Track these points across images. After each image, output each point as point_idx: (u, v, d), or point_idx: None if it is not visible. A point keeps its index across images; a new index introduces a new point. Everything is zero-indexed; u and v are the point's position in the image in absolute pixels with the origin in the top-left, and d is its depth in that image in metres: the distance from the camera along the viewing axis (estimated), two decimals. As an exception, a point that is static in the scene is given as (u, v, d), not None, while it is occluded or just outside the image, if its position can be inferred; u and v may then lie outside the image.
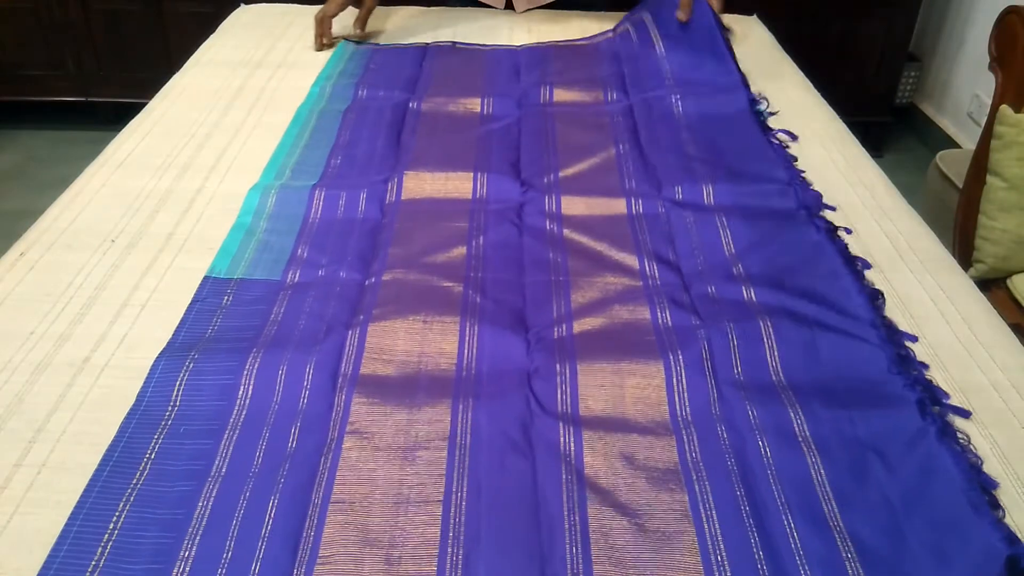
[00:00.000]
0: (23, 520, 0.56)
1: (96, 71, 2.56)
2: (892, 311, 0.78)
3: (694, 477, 0.59)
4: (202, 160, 0.99)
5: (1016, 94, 1.39)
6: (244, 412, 0.63)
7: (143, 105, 1.13)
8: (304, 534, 0.54)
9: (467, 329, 0.71)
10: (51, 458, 0.60)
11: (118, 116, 1.17)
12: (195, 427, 0.62)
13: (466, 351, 0.69)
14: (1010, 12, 1.42)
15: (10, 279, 0.78)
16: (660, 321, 0.73)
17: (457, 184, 0.93)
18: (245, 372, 0.66)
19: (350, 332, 0.70)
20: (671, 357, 0.69)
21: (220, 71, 1.23)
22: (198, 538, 0.54)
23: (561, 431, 0.62)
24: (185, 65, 1.26)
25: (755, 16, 1.51)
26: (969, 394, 0.69)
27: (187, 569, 0.52)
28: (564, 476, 0.59)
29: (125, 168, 0.97)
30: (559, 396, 0.66)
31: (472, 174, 0.94)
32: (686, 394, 0.66)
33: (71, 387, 0.66)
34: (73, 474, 0.59)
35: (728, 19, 1.49)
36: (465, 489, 0.57)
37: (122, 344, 0.71)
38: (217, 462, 0.59)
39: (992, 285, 1.42)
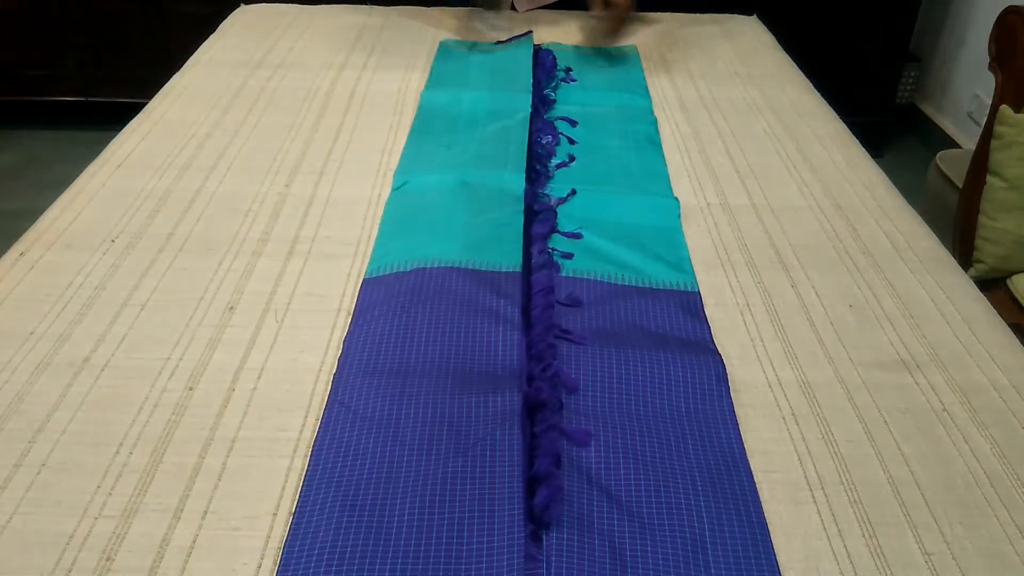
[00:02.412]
0: (23, 520, 0.56)
1: (96, 71, 2.56)
2: (892, 311, 0.78)
3: None
4: (202, 160, 0.99)
5: (1016, 94, 1.39)
6: None
7: (143, 105, 1.13)
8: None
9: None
10: (51, 458, 0.60)
11: (118, 116, 1.17)
12: None
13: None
14: (1010, 12, 1.42)
15: (10, 279, 0.78)
16: None
17: None
18: None
19: None
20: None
21: (220, 71, 1.23)
22: None
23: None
24: (185, 65, 1.26)
25: (755, 16, 1.52)
26: (969, 394, 0.69)
27: None
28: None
29: (125, 168, 0.97)
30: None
31: None
32: None
33: (71, 387, 0.66)
34: (73, 474, 0.59)
35: (728, 19, 1.50)
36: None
37: (122, 344, 0.71)
38: None
39: (992, 285, 1.42)
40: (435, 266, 0.79)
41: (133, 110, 1.11)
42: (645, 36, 1.40)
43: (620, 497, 0.58)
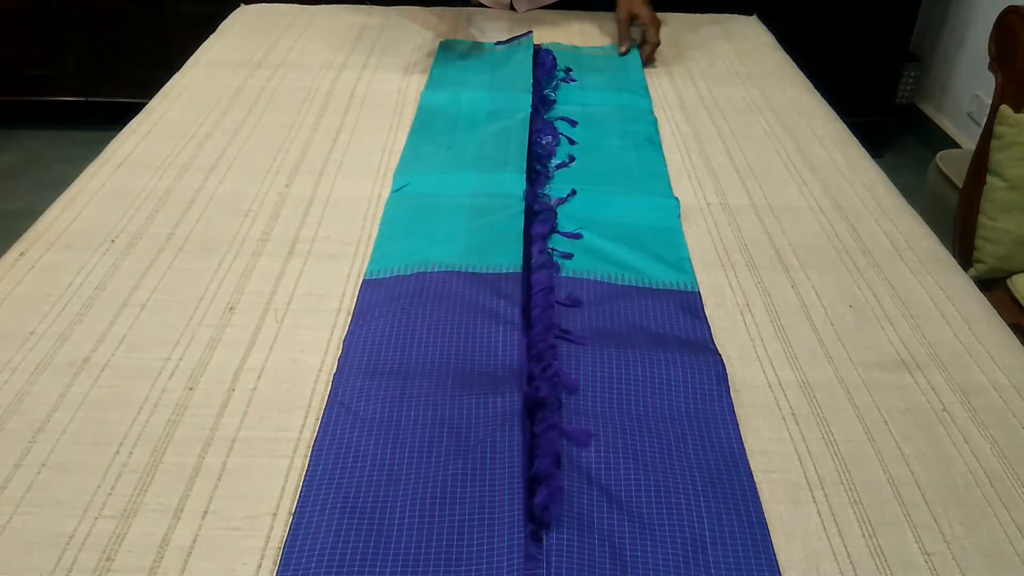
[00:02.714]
0: (23, 520, 0.56)
1: (96, 71, 2.56)
2: (892, 311, 0.78)
3: None
4: (202, 160, 0.99)
5: (1016, 94, 1.39)
6: None
7: (143, 105, 1.13)
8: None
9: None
10: (51, 458, 0.60)
11: (118, 116, 1.17)
12: None
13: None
14: (1010, 12, 1.42)
15: (10, 279, 0.78)
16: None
17: None
18: None
19: None
20: None
21: (220, 71, 1.23)
22: None
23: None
24: (185, 65, 1.26)
25: (755, 16, 1.52)
26: (969, 394, 0.69)
27: None
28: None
29: (125, 168, 0.97)
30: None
31: None
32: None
33: (71, 387, 0.66)
34: (73, 474, 0.59)
35: (728, 19, 1.50)
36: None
37: (122, 344, 0.71)
38: None
39: (992, 285, 1.42)
40: (436, 270, 0.79)
41: (133, 110, 1.11)
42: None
43: (620, 497, 0.58)
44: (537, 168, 0.98)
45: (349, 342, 0.71)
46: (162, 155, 1.00)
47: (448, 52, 1.31)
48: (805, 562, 0.55)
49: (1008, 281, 1.41)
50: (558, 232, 0.86)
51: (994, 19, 1.46)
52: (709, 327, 0.74)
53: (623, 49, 1.32)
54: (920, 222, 0.92)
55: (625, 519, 0.56)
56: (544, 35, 1.38)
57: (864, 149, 1.07)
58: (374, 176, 0.97)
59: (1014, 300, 1.38)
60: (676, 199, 0.93)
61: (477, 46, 1.33)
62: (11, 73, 2.55)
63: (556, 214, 0.89)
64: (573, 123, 1.10)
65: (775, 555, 0.55)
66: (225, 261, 0.82)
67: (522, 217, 0.87)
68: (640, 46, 1.32)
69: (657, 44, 1.31)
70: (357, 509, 0.56)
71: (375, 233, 0.86)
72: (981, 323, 0.77)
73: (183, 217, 0.88)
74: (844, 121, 1.15)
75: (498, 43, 1.34)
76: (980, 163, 1.44)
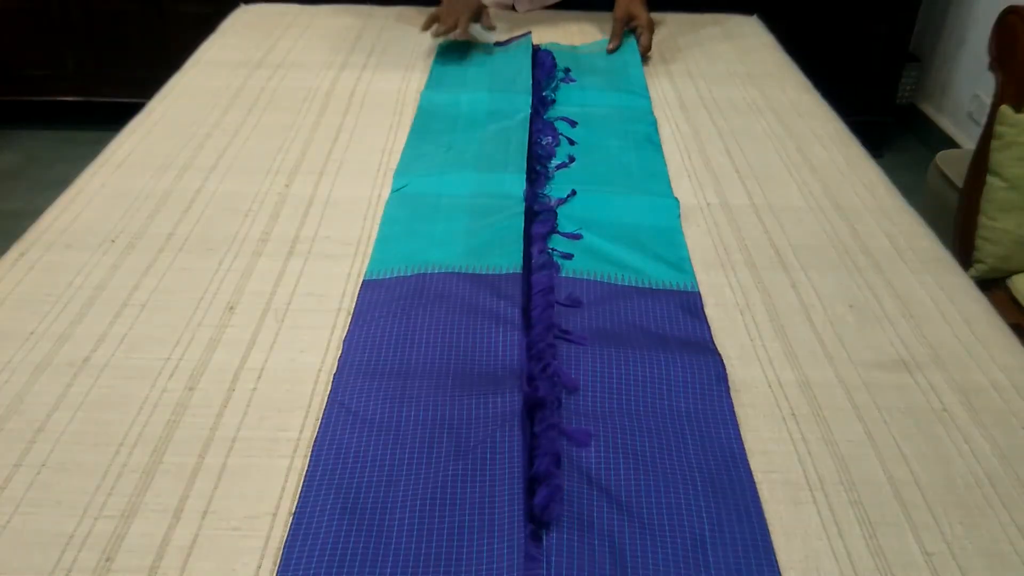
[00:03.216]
0: (23, 520, 0.56)
1: (96, 71, 2.56)
2: (892, 311, 0.78)
3: None
4: (202, 160, 0.99)
5: (1016, 94, 1.39)
6: None
7: (143, 105, 1.13)
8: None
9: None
10: (51, 458, 0.60)
11: (118, 116, 1.17)
12: None
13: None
14: (1010, 12, 1.41)
15: (10, 279, 0.78)
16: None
17: None
18: None
19: None
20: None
21: (220, 71, 1.23)
22: None
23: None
24: (185, 65, 1.26)
25: (755, 16, 1.52)
26: (969, 394, 0.69)
27: None
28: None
29: (125, 168, 0.97)
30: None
31: None
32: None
33: (71, 387, 0.66)
34: (73, 474, 0.59)
35: (728, 19, 1.50)
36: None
37: (122, 344, 0.71)
38: None
39: (992, 285, 1.42)
40: (436, 271, 0.79)
41: (133, 110, 1.11)
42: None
43: (620, 497, 0.58)
44: (537, 168, 0.98)
45: (349, 342, 0.71)
46: (162, 155, 1.00)
47: (448, 52, 1.31)
48: (805, 562, 0.55)
49: (1008, 281, 1.41)
50: (558, 232, 0.86)
51: (994, 19, 1.45)
52: (709, 327, 0.74)
53: (611, 46, 1.32)
54: (920, 222, 0.92)
55: (625, 519, 0.56)
56: (544, 35, 1.38)
57: (864, 149, 1.07)
58: (374, 176, 0.97)
59: (1014, 300, 1.38)
60: (676, 199, 0.93)
61: (476, 46, 1.33)
62: (11, 73, 2.55)
63: (556, 214, 0.89)
64: (573, 123, 1.10)
65: (775, 555, 0.55)
66: (225, 261, 0.82)
67: (522, 218, 0.87)
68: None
69: (647, 49, 1.32)
70: (357, 509, 0.56)
71: (375, 233, 0.86)
72: (981, 323, 0.77)
73: (183, 217, 0.88)
74: (844, 121, 1.15)
75: (497, 43, 1.34)
76: (980, 163, 1.44)
